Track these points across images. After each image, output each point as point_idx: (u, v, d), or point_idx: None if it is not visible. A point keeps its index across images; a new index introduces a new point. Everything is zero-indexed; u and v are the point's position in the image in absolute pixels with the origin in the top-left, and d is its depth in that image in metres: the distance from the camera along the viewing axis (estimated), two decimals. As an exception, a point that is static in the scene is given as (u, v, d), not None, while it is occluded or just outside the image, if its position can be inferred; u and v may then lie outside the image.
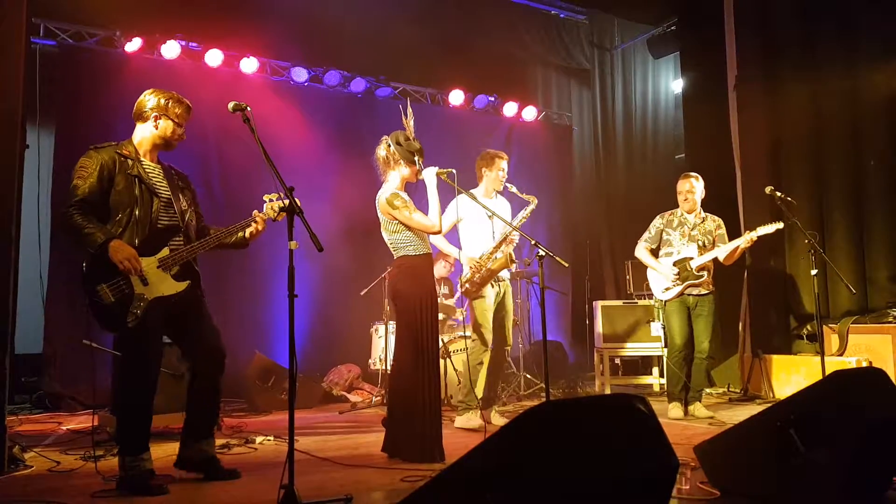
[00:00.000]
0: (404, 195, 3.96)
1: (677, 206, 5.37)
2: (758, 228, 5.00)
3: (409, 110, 4.10)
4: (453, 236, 5.16)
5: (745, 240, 5.03)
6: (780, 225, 5.01)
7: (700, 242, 5.19)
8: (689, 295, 5.16)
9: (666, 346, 5.65)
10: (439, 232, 4.00)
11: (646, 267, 5.41)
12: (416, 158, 3.99)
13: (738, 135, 6.99)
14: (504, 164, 5.12)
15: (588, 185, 9.69)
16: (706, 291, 5.17)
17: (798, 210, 5.43)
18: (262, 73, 7.32)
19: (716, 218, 5.34)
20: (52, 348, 5.96)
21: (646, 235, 5.37)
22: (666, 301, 5.22)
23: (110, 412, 4.38)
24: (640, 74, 9.98)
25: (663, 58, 9.49)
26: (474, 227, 4.99)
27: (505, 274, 5.05)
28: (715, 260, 5.17)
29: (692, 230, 5.23)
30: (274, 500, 2.72)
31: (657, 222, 5.36)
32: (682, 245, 5.20)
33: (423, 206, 3.96)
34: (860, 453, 2.58)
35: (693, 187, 5.24)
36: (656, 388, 6.76)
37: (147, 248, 3.21)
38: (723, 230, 5.30)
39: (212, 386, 3.40)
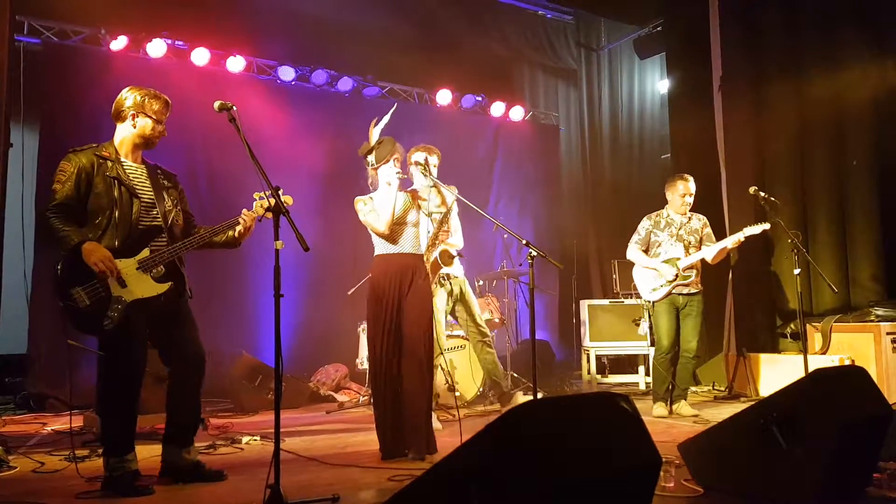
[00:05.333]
0: (367, 197, 4.01)
1: (663, 207, 5.39)
2: (745, 229, 5.04)
3: (386, 117, 4.04)
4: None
5: (733, 241, 5.07)
6: (767, 226, 5.05)
7: (687, 242, 5.23)
8: (678, 294, 5.18)
9: (652, 346, 5.68)
10: (382, 232, 3.93)
11: (632, 266, 5.43)
12: (367, 157, 4.00)
13: (723, 135, 7.04)
14: (420, 156, 4.78)
15: (575, 185, 9.73)
16: (695, 291, 5.20)
17: (782, 210, 5.48)
18: (249, 71, 7.30)
19: (701, 217, 5.38)
20: (37, 349, 5.92)
21: (636, 237, 5.38)
22: (654, 302, 5.24)
23: (95, 412, 4.35)
24: (626, 75, 10.03)
25: (649, 58, 9.54)
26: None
27: (458, 271, 5.08)
28: (703, 259, 5.21)
29: (679, 230, 5.26)
30: (260, 500, 2.72)
31: (645, 224, 5.38)
32: (671, 245, 5.23)
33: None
34: (841, 450, 2.61)
35: (693, 188, 5.27)
36: (642, 387, 6.80)
37: (127, 250, 3.17)
38: (709, 228, 5.34)
39: (191, 392, 3.35)
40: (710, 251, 5.12)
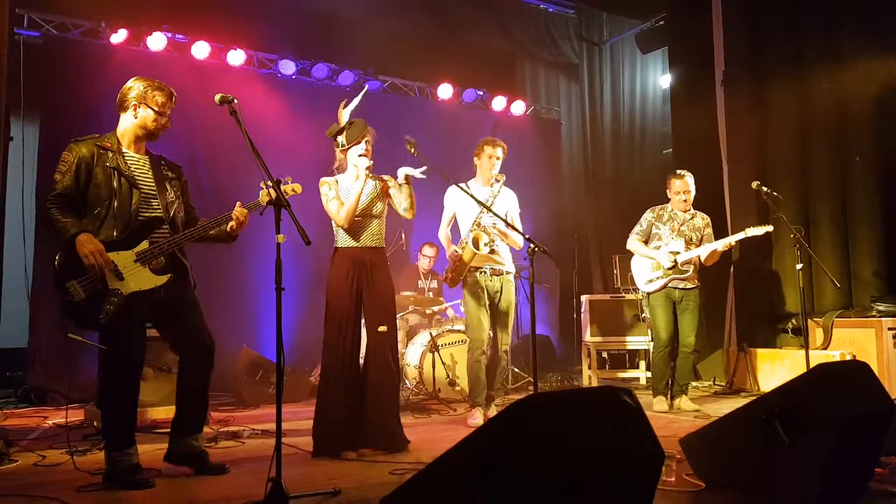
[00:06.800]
0: (332, 180, 3.90)
1: (666, 201, 5.38)
2: (747, 230, 5.02)
3: (356, 99, 3.92)
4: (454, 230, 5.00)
5: (723, 244, 5.06)
6: (770, 228, 5.02)
7: (687, 237, 5.22)
8: (674, 289, 5.18)
9: (651, 341, 5.68)
10: (341, 225, 3.84)
11: (631, 261, 5.43)
12: (337, 138, 3.88)
13: (725, 130, 7.02)
14: (493, 150, 4.80)
15: (576, 180, 9.72)
16: (692, 286, 5.20)
17: (784, 205, 5.47)
18: (250, 65, 7.28)
19: (704, 216, 5.36)
20: (38, 342, 5.92)
21: (637, 228, 5.38)
22: (650, 293, 5.25)
23: (96, 406, 4.35)
24: (628, 69, 10.00)
25: (651, 53, 9.51)
26: (464, 220, 4.85)
27: (505, 262, 4.80)
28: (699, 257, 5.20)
29: (681, 225, 5.26)
30: (261, 493, 2.72)
31: (648, 216, 5.38)
32: (671, 239, 5.23)
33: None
34: (843, 445, 2.61)
35: (689, 186, 5.24)
36: (643, 382, 6.80)
37: (126, 242, 3.16)
38: (710, 229, 5.33)
39: (200, 380, 3.37)
40: (704, 251, 5.11)
